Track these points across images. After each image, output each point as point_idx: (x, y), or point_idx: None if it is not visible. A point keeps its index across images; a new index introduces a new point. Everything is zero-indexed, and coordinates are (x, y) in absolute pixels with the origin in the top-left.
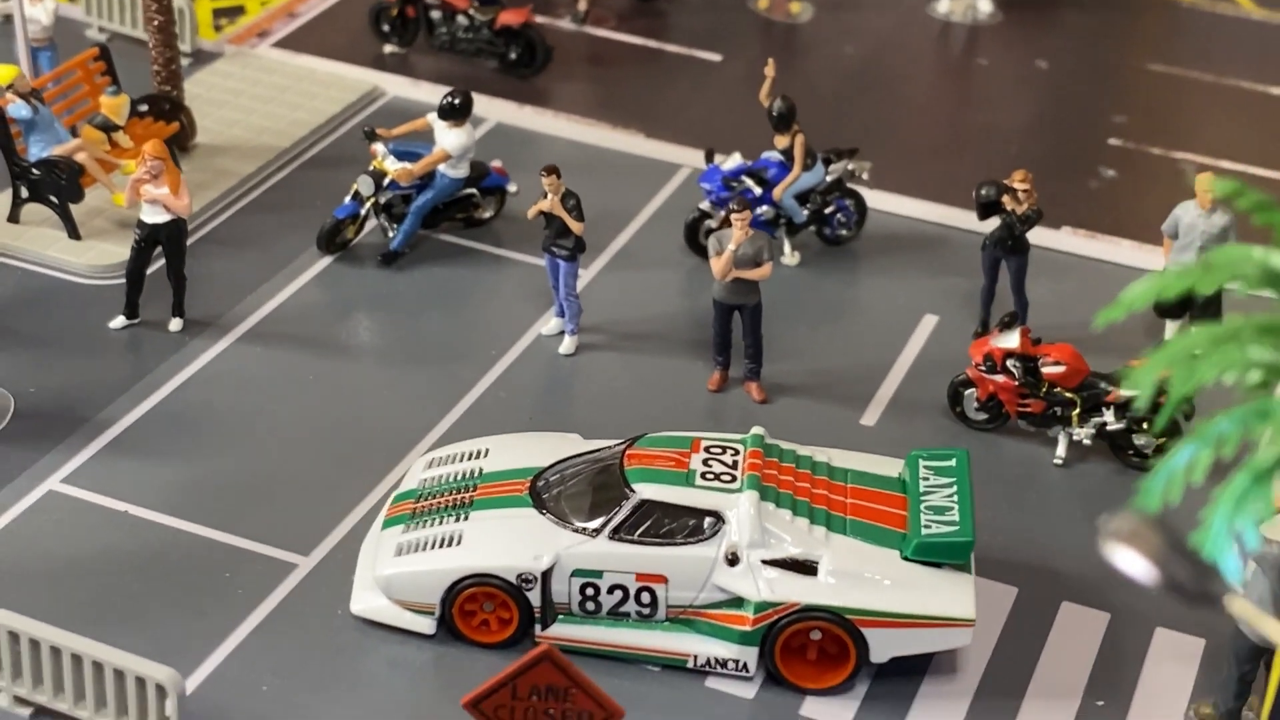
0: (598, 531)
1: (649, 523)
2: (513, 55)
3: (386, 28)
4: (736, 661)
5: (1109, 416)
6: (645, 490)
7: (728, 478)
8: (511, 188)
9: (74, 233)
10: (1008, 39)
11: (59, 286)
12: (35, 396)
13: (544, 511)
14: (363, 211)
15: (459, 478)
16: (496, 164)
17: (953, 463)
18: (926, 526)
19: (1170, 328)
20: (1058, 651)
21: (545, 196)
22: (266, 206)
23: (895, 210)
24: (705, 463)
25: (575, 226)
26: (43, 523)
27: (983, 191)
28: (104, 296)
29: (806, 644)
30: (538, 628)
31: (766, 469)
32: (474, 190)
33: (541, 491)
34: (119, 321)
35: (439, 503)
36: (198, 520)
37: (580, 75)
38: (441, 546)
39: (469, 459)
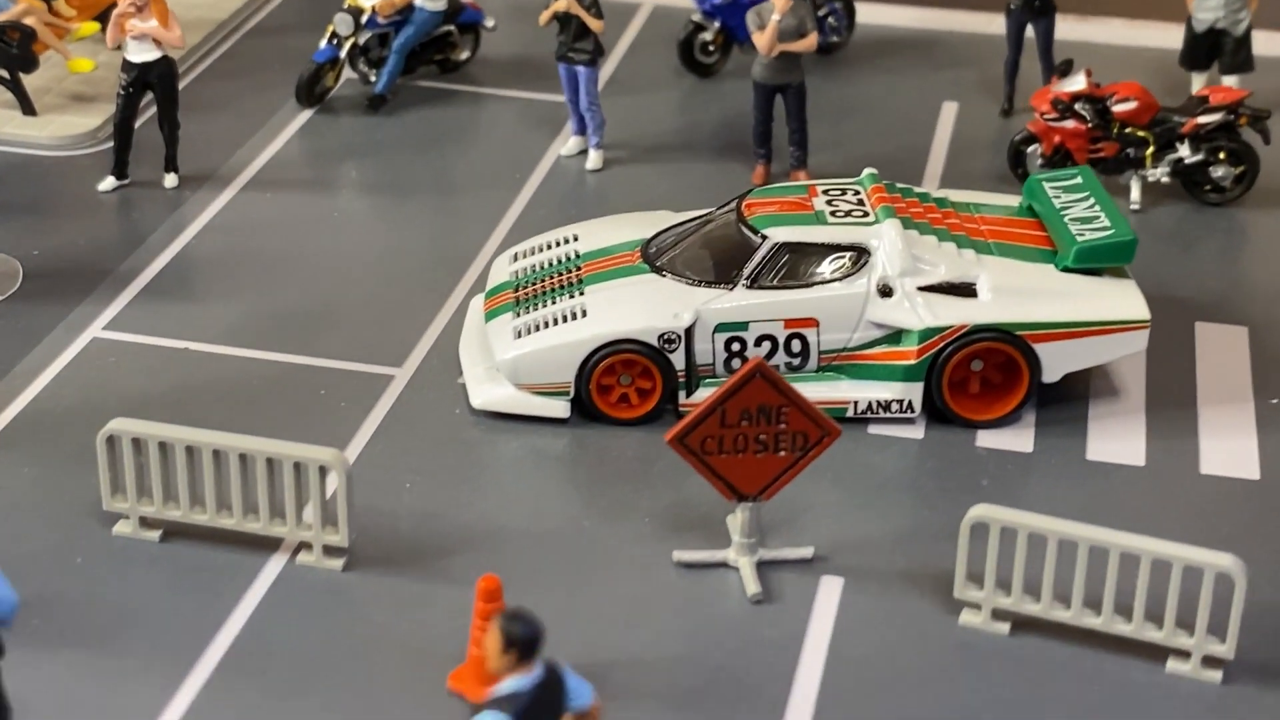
0: (734, 283)
1: (787, 267)
2: None
3: None
4: (900, 402)
5: (1184, 150)
6: (777, 234)
7: (859, 214)
8: (488, 22)
9: (28, 108)
10: None
11: (28, 162)
12: (42, 259)
13: (666, 274)
14: (342, 54)
15: (556, 263)
16: None
17: (1079, 179)
18: (1080, 235)
19: (1196, 81)
20: (1210, 364)
21: None
22: (222, 74)
23: (879, 21)
24: (829, 203)
25: (595, 25)
26: (97, 368)
27: None
28: (79, 165)
29: (968, 378)
30: (682, 395)
31: (895, 203)
32: (451, 28)
33: (656, 258)
34: (108, 183)
35: (543, 287)
36: (269, 348)
37: None
38: (568, 320)
39: (559, 245)
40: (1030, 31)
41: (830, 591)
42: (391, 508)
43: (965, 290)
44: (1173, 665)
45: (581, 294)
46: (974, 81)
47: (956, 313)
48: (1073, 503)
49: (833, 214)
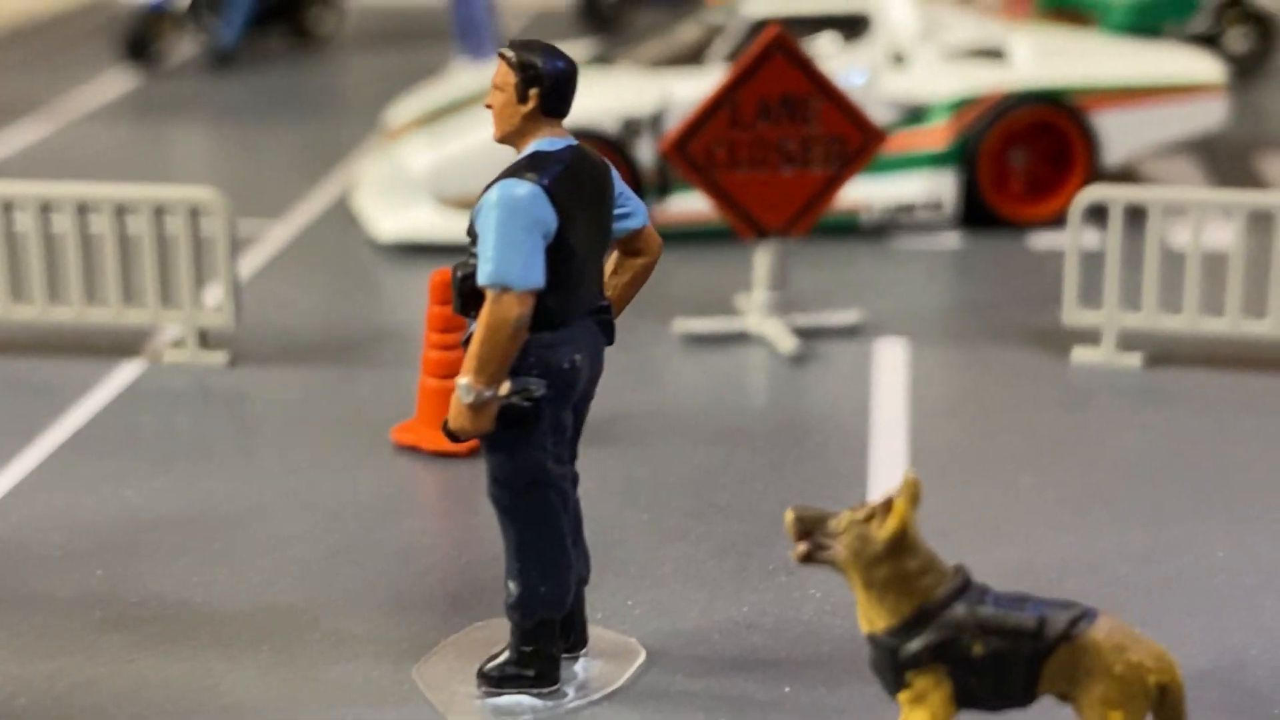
0: (706, 62)
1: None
2: None
3: None
4: (928, 201)
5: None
6: (755, 8)
7: None
8: None
9: None
10: None
11: None
12: None
13: (623, 64)
14: (179, 4)
15: (478, 89)
16: None
17: None
18: None
19: None
20: None
21: None
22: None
23: None
24: None
25: None
26: None
27: None
28: None
29: (1007, 174)
30: (653, 203)
31: None
32: None
33: (607, 56)
34: None
35: (465, 105)
36: None
37: None
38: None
39: (472, 75)
40: None
41: (894, 350)
42: (285, 320)
43: (999, 56)
44: None
45: None
46: None
47: (991, 78)
48: (1170, 293)
49: None
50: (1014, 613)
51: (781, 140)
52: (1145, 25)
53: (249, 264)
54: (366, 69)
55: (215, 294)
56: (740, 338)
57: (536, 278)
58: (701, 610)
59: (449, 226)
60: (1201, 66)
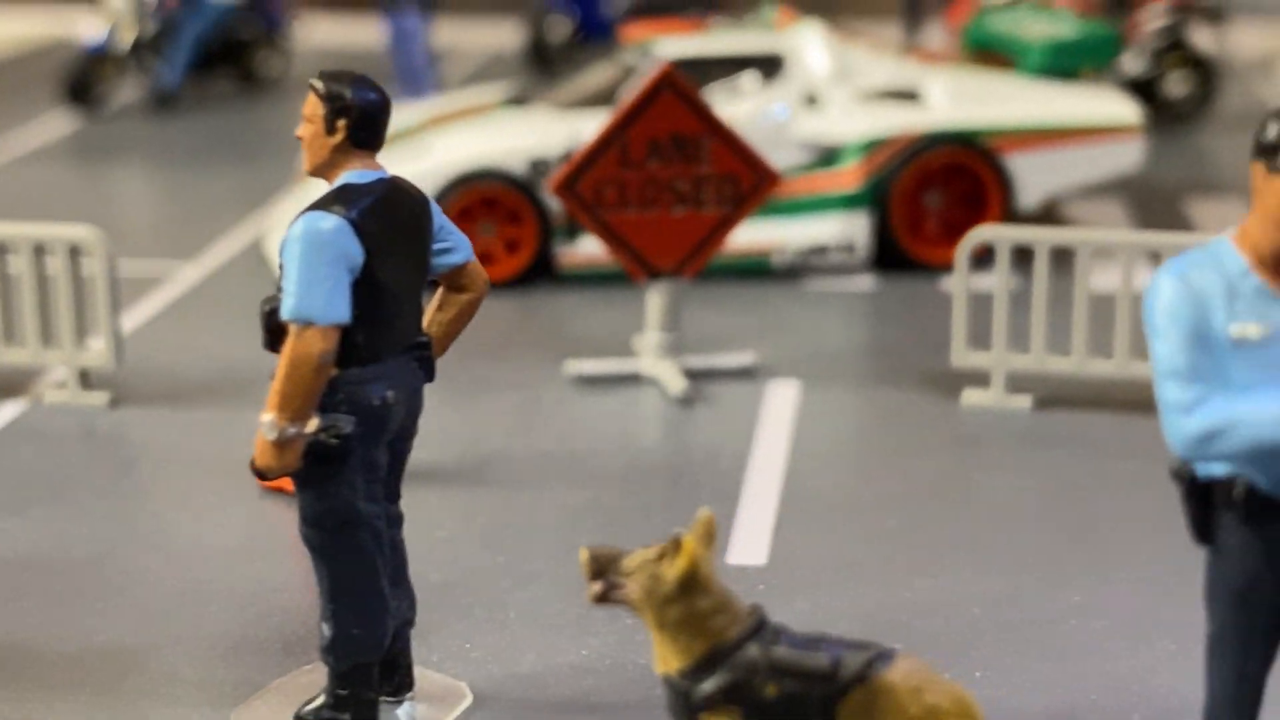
0: (616, 106)
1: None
2: None
3: None
4: (841, 243)
5: (1130, 61)
6: (669, 49)
7: (765, 29)
8: (293, 28)
9: None
10: None
11: None
12: None
13: (537, 105)
14: (121, 46)
15: (396, 129)
16: None
17: (1028, 11)
18: (1045, 34)
19: None
20: (1217, 228)
21: None
22: None
23: None
24: (729, 30)
25: None
26: None
27: None
28: None
29: (921, 216)
30: (563, 246)
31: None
32: (253, 28)
33: (523, 98)
34: None
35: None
36: None
37: None
38: (409, 161)
39: (398, 117)
40: None
41: (784, 392)
42: (177, 361)
43: (913, 98)
44: None
45: (425, 139)
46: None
47: (903, 119)
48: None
49: (735, 31)
50: (809, 654)
51: (673, 180)
52: (1063, 68)
53: (153, 304)
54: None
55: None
56: (633, 379)
57: (340, 313)
58: (540, 654)
59: None
60: (1118, 108)
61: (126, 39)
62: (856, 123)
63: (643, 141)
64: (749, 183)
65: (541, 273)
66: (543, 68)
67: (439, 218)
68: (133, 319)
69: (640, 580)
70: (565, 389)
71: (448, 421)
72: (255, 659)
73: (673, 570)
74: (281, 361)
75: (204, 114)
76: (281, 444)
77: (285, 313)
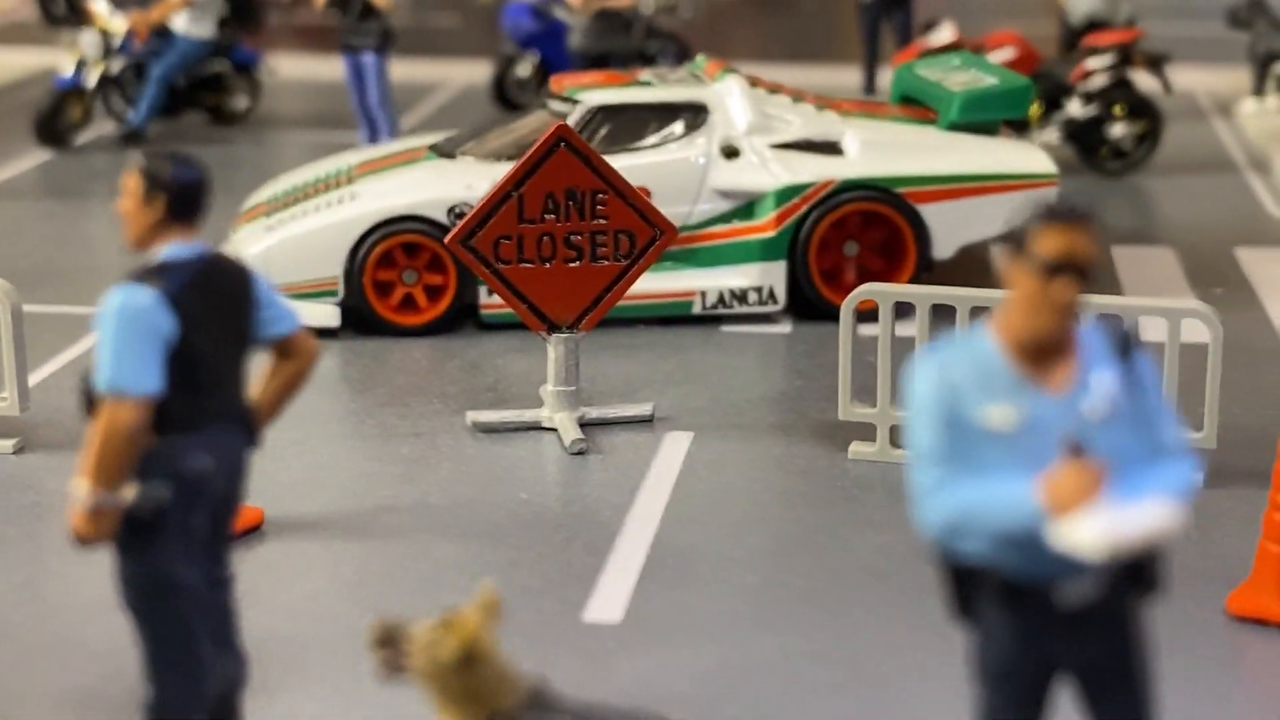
0: None
1: (608, 135)
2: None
3: None
4: (760, 290)
5: (1074, 106)
6: (594, 98)
7: (694, 79)
8: (267, 68)
9: None
10: None
11: None
12: None
13: (462, 158)
14: (89, 83)
15: (324, 175)
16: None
17: (956, 61)
18: (963, 86)
19: None
20: (1135, 273)
21: None
22: None
23: None
24: (658, 76)
25: (382, 1)
26: None
27: None
28: None
29: (840, 265)
30: (483, 294)
31: (739, 73)
32: (224, 66)
33: (449, 148)
34: None
35: (308, 193)
36: None
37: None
38: (331, 208)
39: (329, 162)
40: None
41: (676, 445)
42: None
43: (830, 149)
44: None
45: (352, 185)
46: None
47: (819, 169)
48: None
49: (660, 82)
50: None
51: (569, 234)
52: (980, 120)
53: (78, 349)
54: (277, 148)
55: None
56: (535, 429)
57: (151, 384)
58: (381, 713)
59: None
60: (1032, 160)
61: (94, 76)
62: (774, 173)
63: (539, 196)
64: (645, 237)
65: (465, 319)
66: (506, 106)
67: (264, 290)
68: (61, 361)
69: (421, 652)
70: (464, 439)
71: (341, 470)
72: (103, 716)
73: (450, 644)
74: (94, 431)
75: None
76: (96, 513)
77: (98, 384)
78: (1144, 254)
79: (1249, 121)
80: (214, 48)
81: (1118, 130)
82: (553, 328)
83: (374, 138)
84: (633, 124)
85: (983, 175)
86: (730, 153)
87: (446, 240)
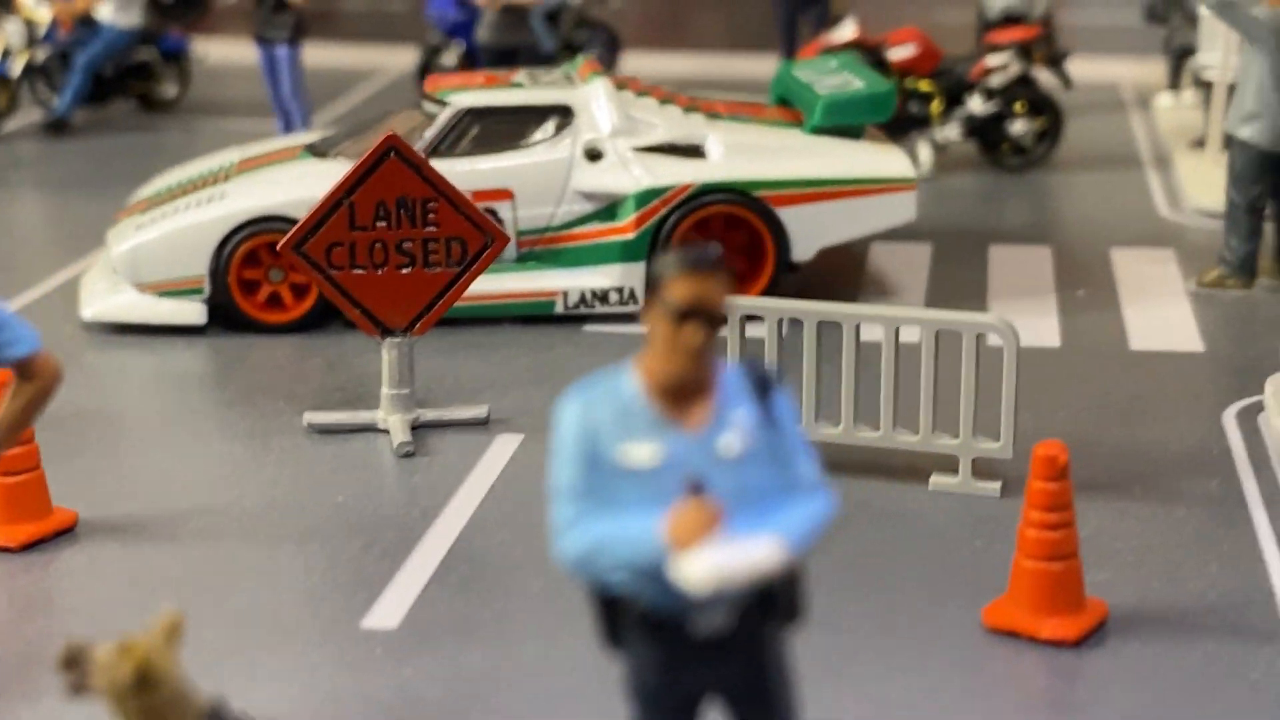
0: None
1: (476, 136)
2: None
3: None
4: (620, 290)
5: (975, 103)
6: (463, 100)
7: (566, 81)
8: (200, 53)
9: None
10: None
11: None
12: None
13: (334, 158)
14: (14, 72)
15: (205, 171)
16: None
17: (834, 63)
18: (829, 92)
19: None
20: (1006, 273)
21: None
22: None
23: (645, 70)
24: (530, 78)
25: None
26: None
27: None
28: None
29: None
30: None
31: (610, 76)
32: (151, 54)
33: (323, 148)
34: None
35: (186, 190)
36: None
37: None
38: (200, 207)
39: (212, 158)
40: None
41: (504, 447)
42: None
43: (692, 152)
44: (936, 481)
45: (226, 184)
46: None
47: (680, 172)
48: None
49: (533, 83)
50: None
51: (400, 241)
52: (842, 123)
53: None
54: (204, 136)
55: None
56: (371, 430)
57: None
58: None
59: (158, 308)
60: (891, 164)
61: (18, 65)
62: (635, 175)
63: (370, 204)
64: (477, 244)
65: (333, 316)
66: None
67: (2, 314)
68: None
69: (101, 674)
70: (300, 440)
71: (168, 472)
72: None
73: (126, 667)
74: None
75: (97, 137)
76: None
77: None
78: (1021, 253)
79: (1163, 115)
80: (141, 36)
81: (1018, 127)
82: (386, 332)
83: (289, 128)
84: (500, 126)
85: (841, 180)
86: (594, 155)
87: (279, 246)
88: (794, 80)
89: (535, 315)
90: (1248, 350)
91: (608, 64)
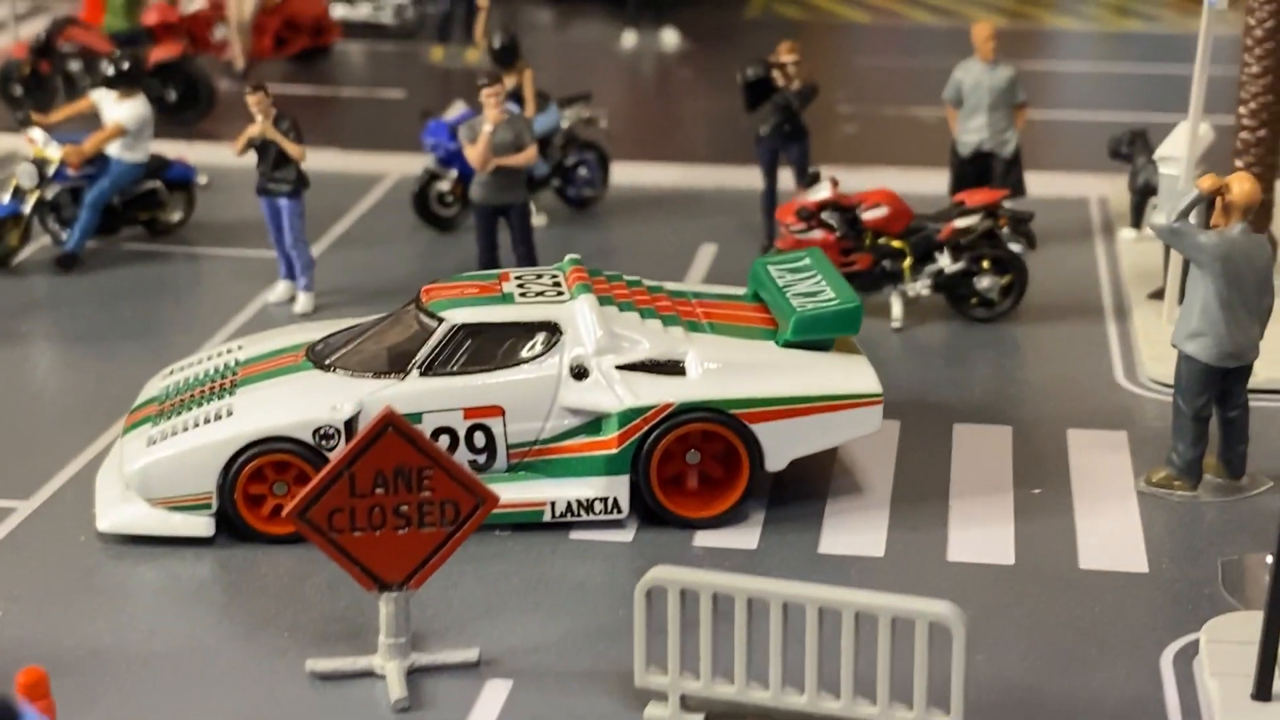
0: (406, 371)
1: (470, 352)
2: (173, 96)
3: (20, 91)
4: (605, 500)
5: (944, 260)
6: (456, 315)
7: (554, 293)
8: (201, 179)
9: None
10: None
11: None
12: None
13: (332, 370)
14: (25, 210)
15: (212, 372)
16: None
17: (806, 260)
18: (802, 306)
19: None
20: (968, 460)
21: (254, 122)
22: None
23: (634, 181)
24: (520, 286)
25: (294, 151)
26: None
27: (748, 72)
28: None
29: (684, 472)
30: None
31: (596, 283)
32: (157, 184)
33: (323, 355)
34: None
35: (193, 395)
36: None
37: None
38: (208, 423)
39: (219, 356)
40: (786, 162)
41: (495, 695)
42: None
43: (672, 368)
44: None
45: (233, 395)
46: (733, 226)
47: (660, 391)
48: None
49: (522, 295)
50: None
51: (397, 505)
52: (814, 339)
53: None
54: (207, 268)
55: None
56: (369, 676)
57: None
58: None
59: (169, 521)
60: (858, 380)
61: (30, 203)
62: (618, 394)
63: (369, 473)
64: (468, 506)
65: None
66: (427, 219)
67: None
68: None
69: None
70: (303, 689)
71: None
72: None
73: None
74: None
75: (106, 272)
76: None
77: None
78: (983, 434)
79: (1126, 250)
80: (147, 170)
81: (984, 282)
82: (383, 586)
83: (290, 274)
84: (492, 342)
85: (812, 396)
86: (579, 373)
87: (284, 513)
88: (770, 280)
89: (524, 522)
90: (1189, 571)
91: (598, 183)
